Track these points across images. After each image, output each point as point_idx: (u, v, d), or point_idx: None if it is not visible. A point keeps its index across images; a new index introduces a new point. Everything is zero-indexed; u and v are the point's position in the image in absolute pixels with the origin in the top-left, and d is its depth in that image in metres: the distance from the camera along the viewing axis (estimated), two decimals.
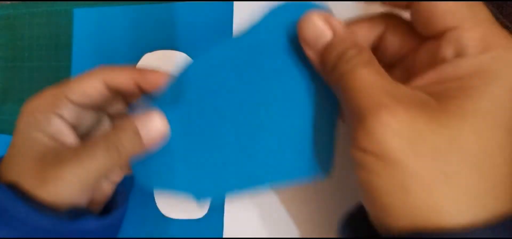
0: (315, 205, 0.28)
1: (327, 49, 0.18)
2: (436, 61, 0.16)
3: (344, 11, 0.29)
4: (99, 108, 0.24)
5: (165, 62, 0.31)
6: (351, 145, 0.16)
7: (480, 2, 0.16)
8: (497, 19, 0.25)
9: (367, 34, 0.20)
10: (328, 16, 0.18)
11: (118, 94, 0.24)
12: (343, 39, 0.18)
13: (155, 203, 0.31)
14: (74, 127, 0.23)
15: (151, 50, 0.31)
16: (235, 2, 0.30)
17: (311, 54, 0.19)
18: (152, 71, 0.22)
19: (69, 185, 0.20)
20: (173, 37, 0.31)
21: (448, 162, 0.14)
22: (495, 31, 0.16)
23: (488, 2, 0.25)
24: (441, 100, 0.15)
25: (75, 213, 0.21)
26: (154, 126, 0.21)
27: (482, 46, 0.15)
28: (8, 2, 0.35)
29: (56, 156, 0.21)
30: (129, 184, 0.28)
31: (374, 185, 0.15)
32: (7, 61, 0.35)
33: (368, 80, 0.16)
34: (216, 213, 0.30)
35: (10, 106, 0.35)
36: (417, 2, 0.17)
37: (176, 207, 0.31)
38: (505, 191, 0.15)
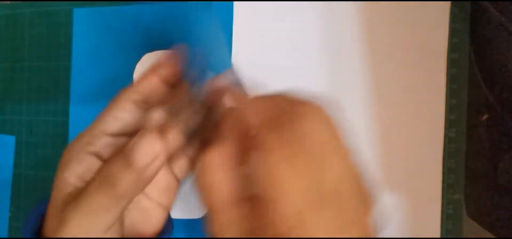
0: None
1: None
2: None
3: (344, 11, 0.29)
4: (135, 131, 0.21)
5: None
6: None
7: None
8: (497, 19, 0.25)
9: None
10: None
11: (148, 104, 0.22)
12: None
13: None
14: None
15: (151, 50, 0.31)
16: (235, 2, 0.30)
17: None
18: (163, 60, 0.22)
19: (77, 228, 0.18)
20: (173, 37, 0.31)
21: None
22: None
23: (488, 2, 0.25)
24: None
25: None
26: (144, 149, 0.18)
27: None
28: (8, 2, 0.35)
29: (73, 197, 0.19)
30: None
31: None
32: (7, 61, 0.35)
33: None
34: None
35: (10, 106, 0.35)
36: None
37: (176, 207, 0.30)
38: None
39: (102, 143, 0.20)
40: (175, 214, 0.30)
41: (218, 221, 0.18)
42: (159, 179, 0.22)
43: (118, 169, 0.18)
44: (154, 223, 0.22)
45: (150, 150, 0.18)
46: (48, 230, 0.20)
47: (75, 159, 0.20)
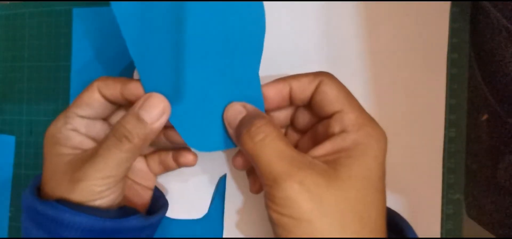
0: None
1: (240, 122, 0.23)
2: (328, 134, 0.22)
3: (344, 11, 0.29)
4: (106, 116, 0.26)
5: None
6: (268, 207, 0.20)
7: (352, 95, 0.22)
8: (497, 19, 0.25)
9: (285, 113, 0.25)
10: (244, 103, 0.23)
11: (115, 103, 0.25)
12: (252, 114, 0.22)
13: None
14: (91, 138, 0.25)
15: None
16: None
17: (231, 131, 0.23)
18: (134, 82, 0.24)
19: (95, 181, 0.22)
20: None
21: (343, 217, 0.19)
22: (363, 113, 0.22)
23: (488, 2, 0.25)
24: (335, 167, 0.20)
25: (125, 213, 0.24)
26: (153, 105, 0.23)
27: (357, 125, 0.21)
28: (8, 2, 0.35)
29: (80, 160, 0.23)
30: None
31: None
32: (7, 61, 0.35)
33: (277, 150, 0.20)
34: (216, 213, 0.30)
35: (10, 106, 0.35)
36: (314, 95, 0.23)
37: (176, 207, 0.31)
38: (377, 237, 0.20)
39: (77, 122, 0.24)
40: (175, 214, 0.30)
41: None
42: (140, 169, 0.28)
43: (132, 126, 0.22)
44: (146, 198, 0.28)
45: (158, 106, 0.23)
46: (54, 194, 0.23)
47: (62, 136, 0.24)
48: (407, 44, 0.28)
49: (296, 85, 0.23)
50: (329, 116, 0.22)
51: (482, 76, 0.28)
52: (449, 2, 0.28)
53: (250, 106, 0.23)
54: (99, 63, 0.32)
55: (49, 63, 0.34)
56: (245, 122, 0.22)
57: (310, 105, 0.24)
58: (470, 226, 0.29)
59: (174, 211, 0.30)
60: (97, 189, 0.22)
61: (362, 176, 0.20)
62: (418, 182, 0.28)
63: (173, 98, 0.23)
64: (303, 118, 0.25)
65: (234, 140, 0.24)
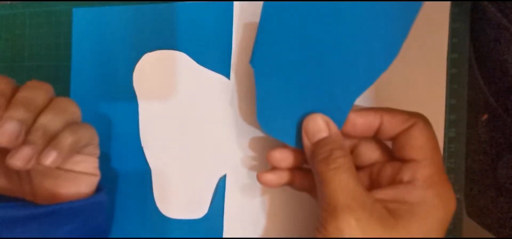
0: (315, 205, 0.28)
1: (320, 142, 0.22)
2: (395, 179, 0.21)
3: None
4: None
5: (165, 62, 0.31)
6: (318, 231, 0.20)
7: (438, 148, 0.21)
8: (497, 19, 0.25)
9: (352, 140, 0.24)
10: (328, 120, 0.23)
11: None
12: (334, 140, 0.22)
13: (155, 203, 0.31)
14: None
15: (151, 50, 0.31)
16: (235, 2, 0.30)
17: (307, 143, 0.23)
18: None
19: None
20: (173, 37, 0.31)
21: None
22: (440, 171, 0.21)
23: (488, 2, 0.25)
24: (396, 218, 0.20)
25: None
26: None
27: (429, 183, 0.20)
28: (8, 2, 0.35)
29: None
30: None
31: None
32: (7, 61, 0.35)
33: (346, 183, 0.20)
34: (216, 213, 0.30)
35: None
36: (401, 134, 0.22)
37: (176, 207, 0.31)
38: None
39: None
40: (175, 214, 0.30)
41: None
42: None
43: None
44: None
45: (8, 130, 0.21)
46: None
47: None
48: (407, 44, 0.28)
49: (388, 121, 0.22)
50: (404, 161, 0.21)
51: (482, 76, 0.28)
52: (449, 2, 0.28)
53: (333, 127, 0.23)
54: (99, 63, 0.32)
55: (49, 63, 0.34)
56: (325, 148, 0.22)
57: (391, 142, 0.23)
58: (470, 226, 0.29)
59: (174, 211, 0.30)
60: None
61: (421, 235, 0.20)
62: None
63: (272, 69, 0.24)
64: (371, 152, 0.24)
65: (307, 153, 0.23)
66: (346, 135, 0.24)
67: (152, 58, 0.31)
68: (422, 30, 0.28)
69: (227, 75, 0.30)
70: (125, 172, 0.32)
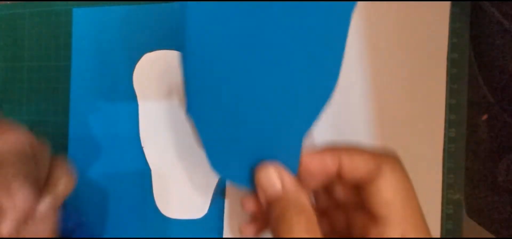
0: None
1: (272, 201, 0.20)
2: (364, 232, 0.19)
3: None
4: None
5: (165, 62, 0.31)
6: None
7: (412, 198, 0.19)
8: (497, 19, 0.25)
9: (318, 178, 0.21)
10: (280, 169, 0.20)
11: None
12: (287, 198, 0.20)
13: (155, 203, 0.31)
14: None
15: (151, 50, 0.31)
16: None
17: (261, 197, 0.21)
18: None
19: None
20: (173, 37, 0.31)
21: None
22: (415, 225, 0.18)
23: (488, 2, 0.25)
24: None
25: None
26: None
27: None
28: (8, 2, 0.35)
29: None
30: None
31: None
32: (7, 61, 0.35)
33: None
34: (216, 213, 0.30)
35: (10, 106, 0.35)
36: (365, 183, 0.19)
37: (176, 207, 0.31)
38: None
39: None
40: (175, 214, 0.30)
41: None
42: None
43: None
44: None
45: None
46: None
47: None
48: (407, 44, 0.28)
49: (347, 164, 0.19)
50: (371, 215, 0.19)
51: (482, 76, 0.28)
52: (449, 2, 0.28)
53: (286, 178, 0.20)
54: (99, 63, 0.32)
55: (49, 63, 0.34)
56: (277, 207, 0.20)
57: (356, 186, 0.20)
58: (470, 226, 0.29)
59: (174, 211, 0.30)
60: None
61: None
62: (418, 182, 0.28)
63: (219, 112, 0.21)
64: (343, 192, 0.21)
65: (263, 205, 0.21)
66: (303, 181, 0.21)
67: (152, 58, 0.31)
68: (422, 30, 0.28)
69: None
70: (125, 172, 0.32)
